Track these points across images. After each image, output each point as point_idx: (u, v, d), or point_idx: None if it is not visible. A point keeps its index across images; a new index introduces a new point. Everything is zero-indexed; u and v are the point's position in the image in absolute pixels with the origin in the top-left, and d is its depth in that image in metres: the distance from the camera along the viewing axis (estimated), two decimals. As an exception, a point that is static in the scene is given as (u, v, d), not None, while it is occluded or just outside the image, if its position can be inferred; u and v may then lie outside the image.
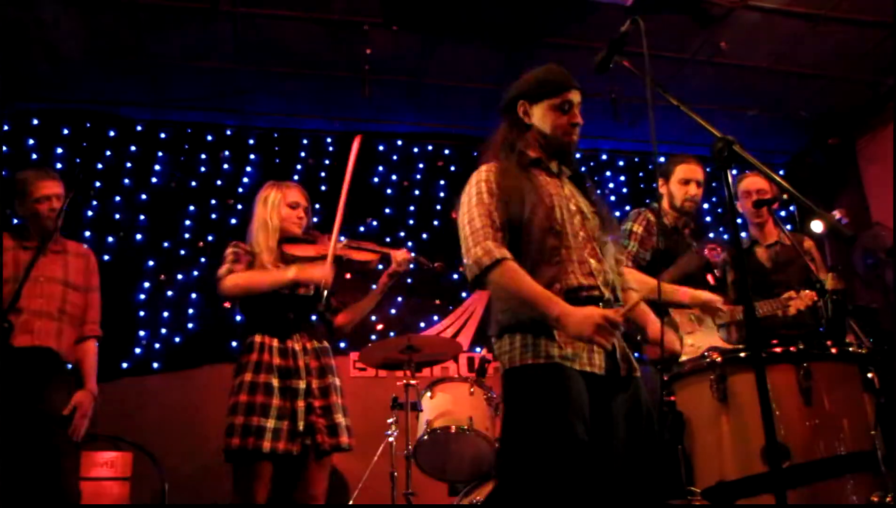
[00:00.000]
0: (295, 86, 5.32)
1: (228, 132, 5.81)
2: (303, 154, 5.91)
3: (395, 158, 6.08)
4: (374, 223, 5.88)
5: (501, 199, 2.22)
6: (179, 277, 5.39)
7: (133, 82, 5.23)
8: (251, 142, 5.83)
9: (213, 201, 5.62)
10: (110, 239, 5.36)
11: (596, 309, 2.05)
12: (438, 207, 6.02)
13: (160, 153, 5.64)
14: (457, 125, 6.00)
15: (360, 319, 3.32)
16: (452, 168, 6.15)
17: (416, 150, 6.13)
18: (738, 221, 3.86)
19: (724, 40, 4.93)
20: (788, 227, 3.77)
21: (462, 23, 4.75)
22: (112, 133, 5.57)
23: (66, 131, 5.48)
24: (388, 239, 5.78)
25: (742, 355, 2.27)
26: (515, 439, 2.17)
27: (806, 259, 3.48)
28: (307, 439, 2.84)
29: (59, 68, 4.93)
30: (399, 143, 6.09)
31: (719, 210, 6.54)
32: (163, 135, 5.68)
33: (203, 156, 5.72)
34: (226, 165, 5.75)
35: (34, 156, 5.35)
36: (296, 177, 5.77)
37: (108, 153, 5.53)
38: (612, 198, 6.37)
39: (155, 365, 5.18)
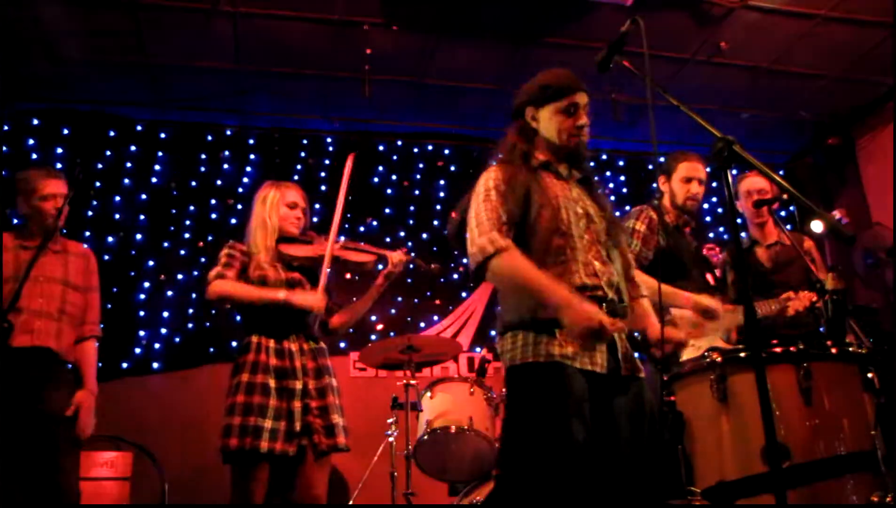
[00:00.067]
0: (295, 86, 5.33)
1: (228, 132, 5.81)
2: (303, 154, 5.91)
3: (395, 158, 6.08)
4: (374, 223, 5.88)
5: (508, 198, 2.23)
6: (179, 277, 5.39)
7: (133, 82, 5.24)
8: (251, 142, 5.83)
9: (213, 201, 5.62)
10: (110, 239, 5.36)
11: (597, 312, 2.05)
12: (438, 207, 6.02)
13: (160, 153, 5.64)
14: (457, 125, 6.01)
15: (355, 320, 3.33)
16: (452, 168, 6.15)
17: (416, 150, 6.13)
18: (738, 221, 3.86)
19: (724, 40, 4.94)
20: (788, 227, 3.76)
21: (462, 23, 4.75)
22: (112, 133, 5.57)
23: (66, 131, 5.48)
24: (388, 239, 5.79)
25: (742, 355, 2.27)
26: (514, 438, 2.18)
27: (806, 259, 3.47)
28: (304, 439, 2.84)
29: (59, 68, 4.93)
30: (399, 143, 6.10)
31: (719, 210, 6.54)
32: (163, 135, 5.68)
33: (203, 156, 5.72)
34: (226, 165, 5.75)
35: (34, 156, 5.35)
36: (296, 177, 5.77)
37: (108, 153, 5.53)
38: (613, 198, 6.37)
39: (155, 365, 5.18)
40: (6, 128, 5.30)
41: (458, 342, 5.26)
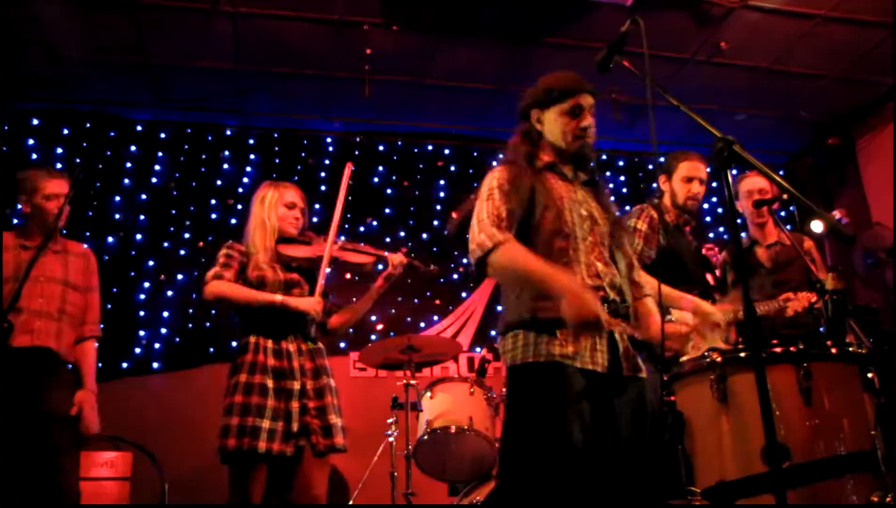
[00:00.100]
0: (295, 86, 5.33)
1: (228, 132, 5.81)
2: (303, 154, 5.91)
3: (395, 158, 6.08)
4: (374, 223, 5.88)
5: (511, 197, 2.23)
6: (179, 277, 5.39)
7: (133, 82, 5.24)
8: (251, 142, 5.83)
9: (213, 201, 5.62)
10: (110, 239, 5.36)
11: (596, 302, 2.05)
12: (438, 207, 6.03)
13: (160, 153, 5.64)
14: (457, 125, 6.01)
15: (354, 321, 3.33)
16: (452, 168, 6.15)
17: (416, 150, 6.13)
18: (738, 221, 3.86)
19: (724, 40, 4.94)
20: (788, 227, 3.76)
21: (462, 23, 4.75)
22: (112, 133, 5.57)
23: (66, 131, 5.48)
24: (388, 239, 5.79)
25: (742, 355, 2.27)
26: (514, 438, 2.19)
27: (806, 259, 3.47)
28: (301, 440, 2.84)
29: (59, 68, 4.93)
30: (399, 143, 6.10)
31: (719, 210, 6.54)
32: (163, 135, 5.68)
33: (203, 156, 5.72)
34: (226, 165, 5.75)
35: (34, 156, 5.35)
36: (295, 177, 5.77)
37: (108, 153, 5.53)
38: (612, 198, 6.36)
39: (155, 365, 5.18)
40: (6, 128, 5.30)
41: (458, 342, 5.26)
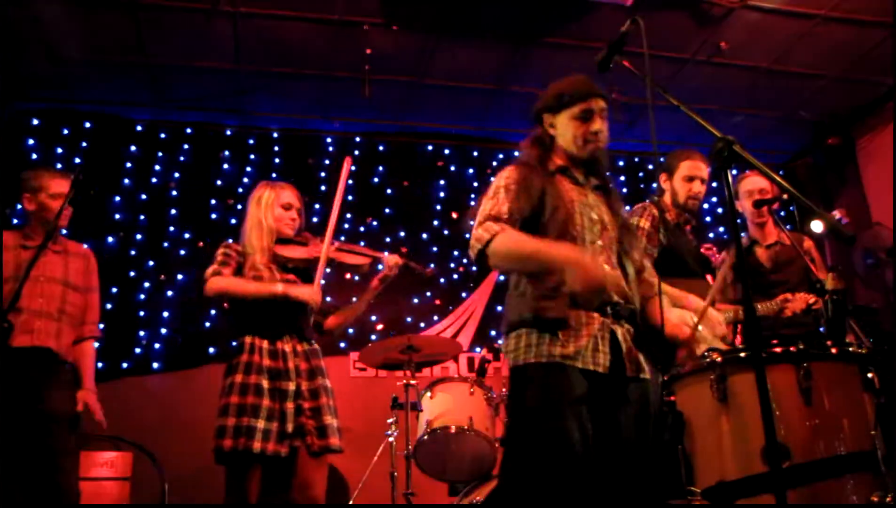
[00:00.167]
0: (295, 86, 5.33)
1: (228, 132, 5.81)
2: (303, 154, 5.91)
3: (395, 158, 6.08)
4: (374, 223, 5.88)
5: (519, 196, 2.25)
6: (179, 277, 5.39)
7: (133, 82, 5.24)
8: (251, 142, 5.83)
9: (213, 201, 5.62)
10: (110, 239, 5.36)
11: (599, 264, 2.08)
12: (438, 207, 6.03)
13: (160, 153, 5.64)
14: (457, 125, 6.01)
15: (350, 322, 3.33)
16: (452, 168, 6.15)
17: (416, 150, 6.13)
18: (738, 221, 3.86)
19: (724, 40, 4.94)
20: (788, 227, 3.75)
21: (462, 23, 4.75)
22: (112, 133, 5.57)
23: (66, 131, 5.48)
24: (387, 239, 5.79)
25: (742, 355, 2.26)
26: (515, 438, 2.21)
27: (806, 259, 3.47)
28: (296, 441, 2.84)
29: (59, 68, 4.93)
30: (399, 143, 6.09)
31: (719, 210, 6.54)
32: (163, 135, 5.68)
33: (203, 156, 5.72)
34: (226, 165, 5.75)
35: (34, 156, 5.35)
36: (296, 177, 5.77)
37: (108, 153, 5.53)
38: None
39: (155, 365, 5.18)
40: (6, 128, 5.30)
41: (458, 342, 5.26)
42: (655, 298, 2.37)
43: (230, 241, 3.13)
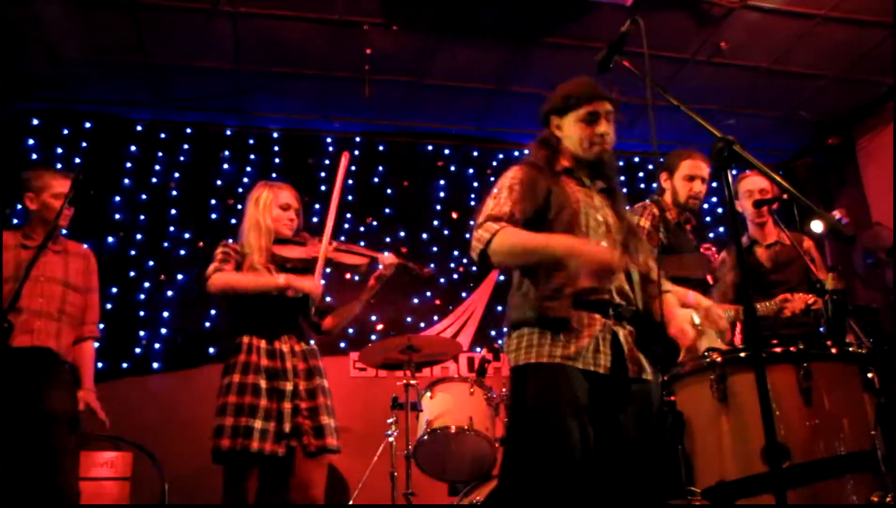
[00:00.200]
0: (295, 86, 5.33)
1: (228, 132, 5.81)
2: (303, 154, 5.91)
3: (395, 158, 6.08)
4: (374, 223, 5.88)
5: (524, 196, 2.26)
6: (179, 277, 5.39)
7: (133, 82, 5.24)
8: (251, 142, 5.83)
9: (213, 201, 5.62)
10: (110, 239, 5.36)
11: (601, 248, 2.09)
12: (438, 207, 6.03)
13: (160, 153, 5.64)
14: (456, 125, 6.01)
15: (347, 321, 3.32)
16: (452, 168, 6.15)
17: (416, 150, 6.13)
18: (738, 220, 3.86)
19: (724, 40, 4.94)
20: (789, 227, 3.75)
21: (462, 23, 4.75)
22: (112, 133, 5.57)
23: (66, 131, 5.49)
24: (388, 239, 5.79)
25: (742, 355, 2.26)
26: (515, 438, 2.22)
27: (806, 259, 3.47)
28: (293, 441, 2.84)
29: (59, 68, 4.93)
30: (399, 143, 6.09)
31: (719, 210, 6.54)
32: (163, 135, 5.68)
33: (203, 156, 5.72)
34: (226, 165, 5.75)
35: (34, 156, 5.35)
36: (296, 177, 5.77)
37: (108, 153, 5.53)
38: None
39: (155, 365, 5.18)
40: (6, 128, 5.30)
41: (458, 342, 5.26)
42: (664, 295, 2.38)
43: (230, 241, 3.13)
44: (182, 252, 5.46)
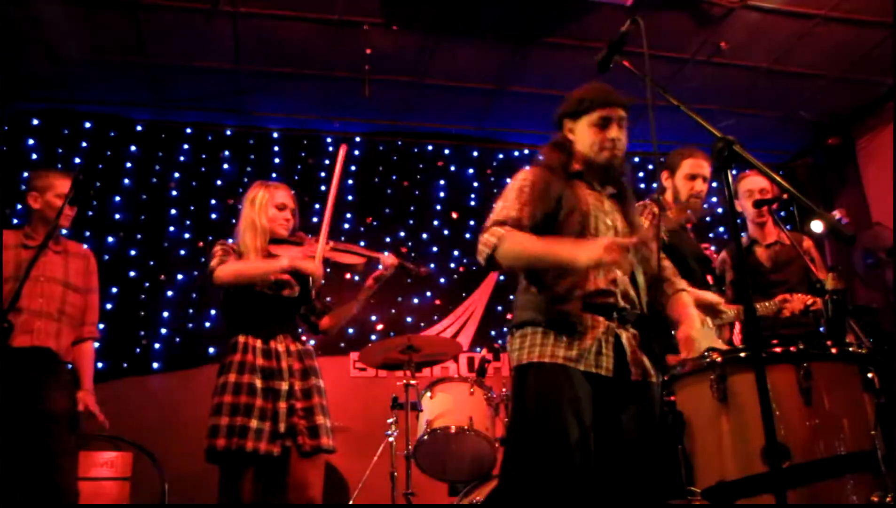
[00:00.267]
0: (295, 86, 5.33)
1: (228, 132, 5.81)
2: (303, 154, 5.91)
3: (395, 158, 6.08)
4: (374, 223, 5.88)
5: (533, 199, 2.27)
6: (179, 277, 5.39)
7: (133, 82, 5.24)
8: (251, 142, 5.83)
9: (213, 201, 5.63)
10: (110, 239, 5.36)
11: (604, 243, 2.09)
12: (438, 207, 6.03)
13: (160, 153, 5.64)
14: (457, 125, 6.01)
15: (345, 322, 3.32)
16: (452, 168, 6.15)
17: (416, 150, 6.13)
18: (738, 220, 3.85)
19: (724, 40, 4.94)
20: (788, 227, 3.75)
21: (462, 23, 4.75)
22: (112, 133, 5.57)
23: (66, 131, 5.48)
24: (387, 239, 5.79)
25: (742, 355, 2.26)
26: (514, 437, 2.23)
27: (805, 259, 3.47)
28: (288, 440, 2.84)
29: (59, 68, 4.93)
30: (399, 143, 6.10)
31: (719, 210, 6.53)
32: (163, 135, 5.68)
33: (203, 156, 5.72)
34: (226, 165, 5.75)
35: (34, 156, 5.35)
36: (295, 177, 5.78)
37: (108, 153, 5.53)
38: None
39: (155, 365, 5.18)
40: (6, 128, 5.30)
41: (458, 342, 5.26)
42: (677, 295, 2.42)
43: (230, 241, 3.13)
44: (182, 252, 5.46)
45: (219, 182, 5.68)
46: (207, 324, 5.33)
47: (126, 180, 5.51)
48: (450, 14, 4.65)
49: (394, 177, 6.02)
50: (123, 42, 4.75)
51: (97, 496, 4.07)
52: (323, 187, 5.72)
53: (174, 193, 5.58)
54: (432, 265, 5.78)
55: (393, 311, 5.65)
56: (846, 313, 3.00)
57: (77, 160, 5.38)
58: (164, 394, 5.02)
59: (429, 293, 5.77)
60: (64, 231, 3.41)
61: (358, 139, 5.99)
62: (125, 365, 5.12)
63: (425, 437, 3.71)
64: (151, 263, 5.38)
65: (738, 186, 3.81)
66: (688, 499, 2.21)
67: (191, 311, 5.35)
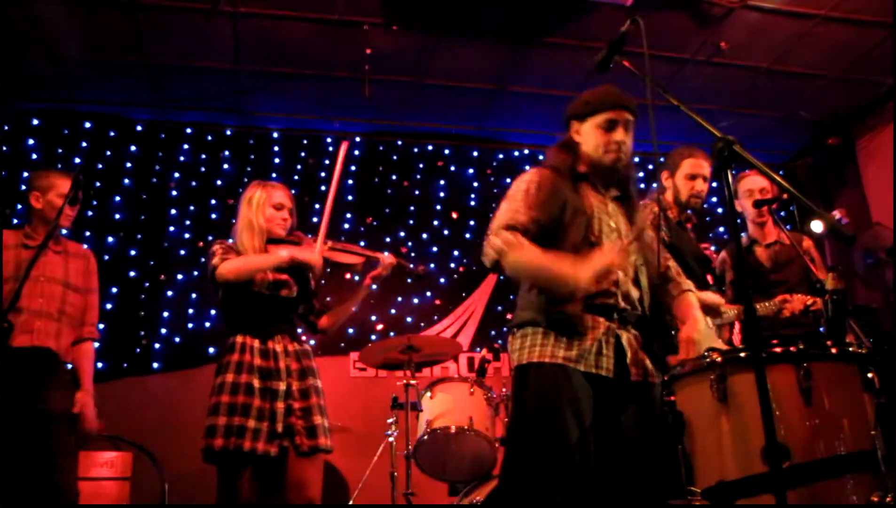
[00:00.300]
0: (295, 86, 5.33)
1: (228, 132, 5.81)
2: (303, 154, 5.91)
3: (395, 158, 6.08)
4: (374, 223, 5.88)
5: (540, 202, 2.27)
6: (179, 277, 5.39)
7: (133, 82, 5.24)
8: (251, 142, 5.83)
9: (213, 201, 5.63)
10: (110, 239, 5.36)
11: (600, 259, 2.11)
12: (438, 207, 6.03)
13: (160, 153, 5.64)
14: (457, 125, 6.01)
15: (342, 320, 3.31)
16: (452, 168, 6.15)
17: (415, 150, 6.13)
18: (738, 220, 3.85)
19: (724, 40, 4.94)
20: (788, 227, 3.75)
21: (462, 23, 4.75)
22: (112, 133, 5.57)
23: (66, 131, 5.49)
24: (387, 239, 5.79)
25: (742, 355, 2.26)
26: (513, 436, 2.24)
27: (805, 259, 3.47)
28: (285, 440, 2.84)
29: (59, 68, 4.93)
30: (399, 143, 6.10)
31: (719, 210, 6.54)
32: (163, 135, 5.68)
33: (203, 156, 5.72)
34: (226, 165, 5.75)
35: (34, 156, 5.35)
36: (296, 177, 5.78)
37: (108, 153, 5.54)
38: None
39: (155, 365, 5.18)
40: (6, 128, 5.30)
41: (458, 342, 5.26)
42: (683, 295, 2.42)
43: (230, 241, 3.13)
44: (182, 252, 5.46)
45: (219, 182, 5.68)
46: (207, 324, 5.34)
47: (126, 180, 5.51)
48: (450, 14, 4.65)
49: (394, 177, 6.02)
50: (123, 42, 4.75)
51: (97, 496, 4.07)
52: (323, 187, 5.73)
53: (174, 193, 5.58)
54: (432, 265, 5.78)
55: (393, 311, 5.65)
56: (846, 313, 3.00)
57: (77, 160, 5.38)
58: (164, 394, 5.02)
59: (429, 293, 5.77)
60: (64, 231, 3.41)
61: (358, 139, 5.99)
62: (125, 365, 5.12)
63: (425, 437, 3.71)
64: (151, 263, 5.38)
65: (738, 186, 3.81)
66: (688, 499, 2.21)
67: (191, 311, 5.35)
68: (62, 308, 3.23)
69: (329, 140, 5.98)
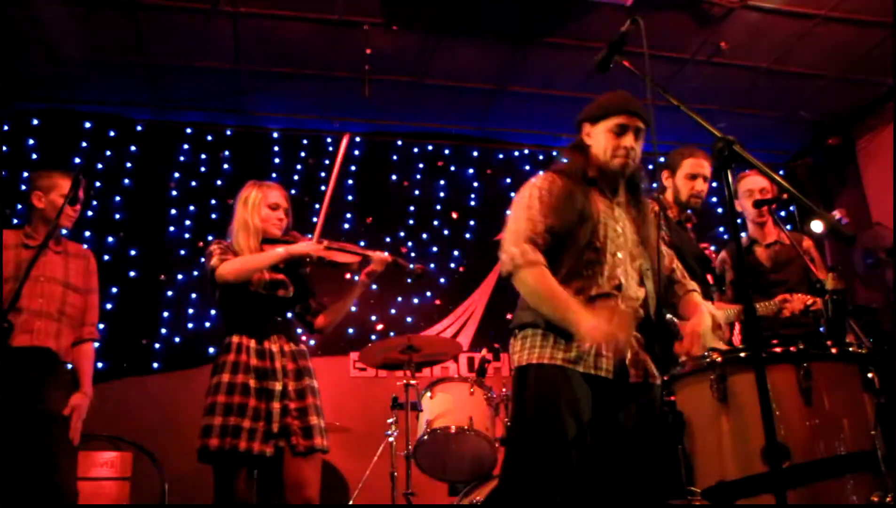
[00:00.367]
0: (295, 86, 5.33)
1: (228, 132, 5.81)
2: (303, 154, 5.91)
3: (395, 158, 6.08)
4: (374, 223, 5.87)
5: (551, 207, 2.28)
6: (179, 277, 5.39)
7: (133, 82, 5.24)
8: (251, 142, 5.83)
9: (213, 201, 5.62)
10: (110, 239, 5.36)
11: (606, 323, 2.10)
12: (438, 207, 6.03)
13: (160, 153, 5.64)
14: (457, 125, 6.01)
15: (339, 319, 3.31)
16: (452, 168, 6.15)
17: (416, 150, 6.13)
18: (738, 220, 3.85)
19: (724, 40, 4.94)
20: (788, 227, 3.75)
21: (462, 23, 4.75)
22: (112, 133, 5.57)
23: (66, 131, 5.48)
24: (388, 239, 5.79)
25: (742, 355, 2.26)
26: (513, 437, 2.28)
27: (805, 259, 3.47)
28: (281, 441, 2.84)
29: (59, 68, 4.93)
30: (399, 143, 6.10)
31: (719, 210, 6.54)
32: (163, 135, 5.68)
33: (203, 156, 5.72)
34: (226, 166, 5.75)
35: (34, 156, 5.35)
36: (296, 177, 5.78)
37: (109, 153, 5.54)
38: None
39: (155, 365, 5.18)
40: (6, 128, 5.30)
41: (458, 342, 5.26)
42: (689, 295, 2.44)
43: (227, 240, 3.13)
44: (182, 252, 5.46)
45: (219, 182, 5.68)
46: (207, 324, 5.33)
47: (126, 180, 5.51)
48: (450, 14, 4.65)
49: (394, 177, 6.02)
50: (123, 42, 4.75)
51: (97, 496, 4.07)
52: (323, 187, 5.72)
53: (174, 193, 5.58)
54: (432, 265, 5.78)
55: (393, 311, 5.65)
56: (846, 313, 3.01)
57: (77, 160, 5.38)
58: (164, 394, 5.02)
59: (429, 293, 5.77)
60: (65, 231, 3.41)
61: (358, 139, 5.99)
62: (125, 365, 5.11)
63: (425, 437, 3.71)
64: (151, 263, 5.38)
65: (738, 186, 3.81)
66: (688, 499, 2.21)
67: (191, 311, 5.35)
68: (62, 308, 3.24)
69: (329, 140, 5.98)
